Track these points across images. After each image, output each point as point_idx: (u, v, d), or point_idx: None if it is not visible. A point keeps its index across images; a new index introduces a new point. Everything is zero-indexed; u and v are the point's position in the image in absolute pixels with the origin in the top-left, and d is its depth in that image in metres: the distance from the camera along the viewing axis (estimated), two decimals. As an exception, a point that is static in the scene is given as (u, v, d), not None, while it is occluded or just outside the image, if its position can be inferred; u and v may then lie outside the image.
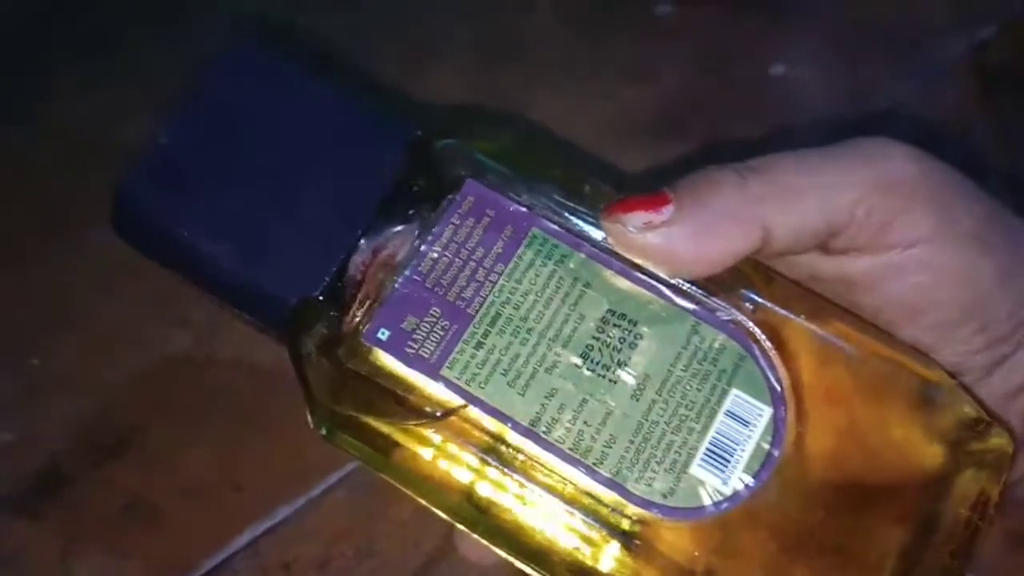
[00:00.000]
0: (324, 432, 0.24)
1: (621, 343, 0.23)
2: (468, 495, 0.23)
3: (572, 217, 0.25)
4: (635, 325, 0.23)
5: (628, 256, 0.24)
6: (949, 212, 0.24)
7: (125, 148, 0.49)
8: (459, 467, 0.24)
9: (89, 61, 0.55)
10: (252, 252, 0.24)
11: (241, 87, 0.26)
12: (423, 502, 0.24)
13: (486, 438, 0.23)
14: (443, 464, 0.24)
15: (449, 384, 0.23)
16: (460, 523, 0.24)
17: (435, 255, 0.24)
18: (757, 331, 0.23)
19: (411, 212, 0.24)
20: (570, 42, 0.50)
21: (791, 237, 0.23)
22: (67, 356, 0.41)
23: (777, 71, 0.50)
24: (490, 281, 0.24)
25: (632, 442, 0.22)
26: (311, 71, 0.26)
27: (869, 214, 0.23)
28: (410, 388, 0.24)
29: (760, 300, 0.24)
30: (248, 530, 0.35)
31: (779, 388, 0.23)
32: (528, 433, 0.23)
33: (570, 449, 0.22)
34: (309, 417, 0.24)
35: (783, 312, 0.24)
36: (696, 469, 0.22)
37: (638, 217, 0.23)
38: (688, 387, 0.23)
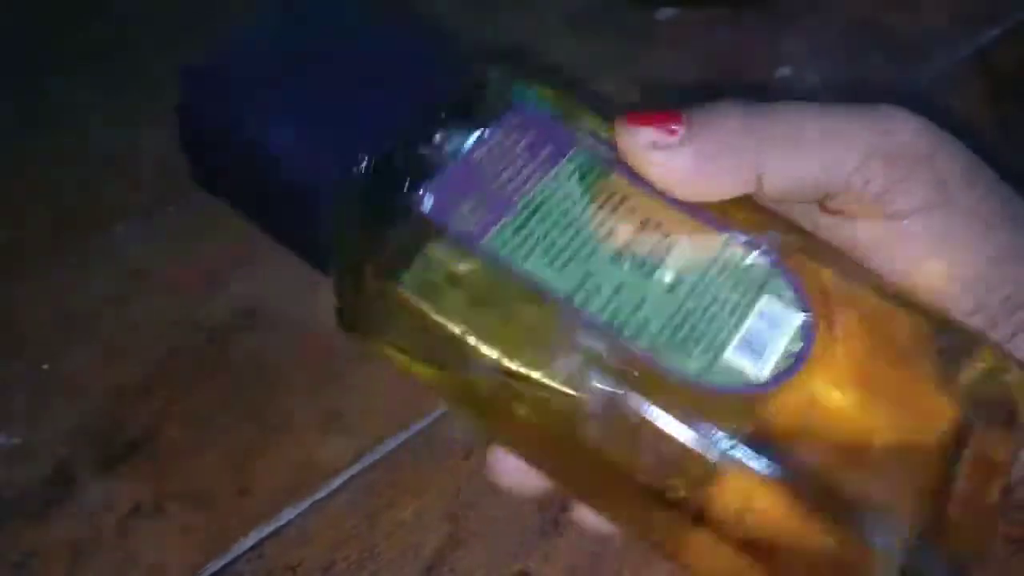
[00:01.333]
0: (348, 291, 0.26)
1: (656, 247, 0.24)
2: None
3: (610, 152, 0.25)
4: (669, 236, 0.24)
5: (633, 166, 0.24)
6: (949, 186, 0.24)
7: (135, 156, 0.51)
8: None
9: (99, 69, 0.55)
10: (305, 136, 0.25)
11: (303, 8, 0.27)
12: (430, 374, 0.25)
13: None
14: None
15: (487, 253, 0.24)
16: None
17: (483, 152, 0.25)
18: (785, 259, 0.24)
19: (462, 119, 0.25)
20: (573, 45, 0.50)
21: (785, 186, 0.24)
22: (77, 361, 0.42)
23: (783, 74, 0.50)
24: (533, 180, 0.25)
25: (667, 325, 0.23)
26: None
27: (868, 180, 0.23)
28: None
29: (785, 238, 0.25)
30: (253, 533, 0.36)
31: (807, 303, 0.23)
32: (566, 302, 0.23)
33: (605, 321, 0.23)
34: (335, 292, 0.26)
35: (805, 253, 0.25)
36: (730, 355, 0.23)
37: (648, 133, 0.24)
38: (721, 289, 0.23)
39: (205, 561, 0.35)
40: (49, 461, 0.39)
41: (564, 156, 0.25)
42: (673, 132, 0.24)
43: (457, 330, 0.23)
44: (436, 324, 0.23)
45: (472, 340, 0.23)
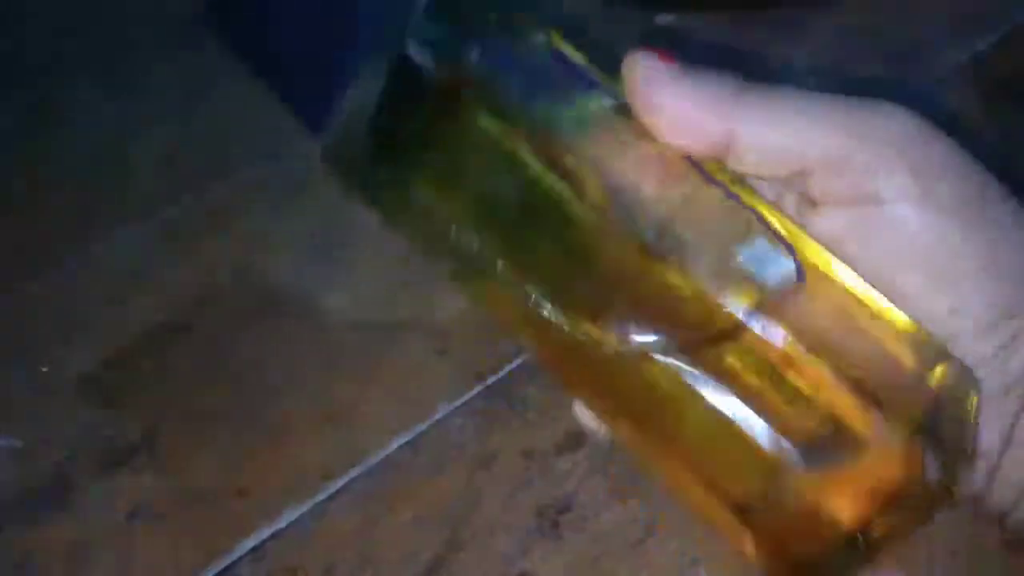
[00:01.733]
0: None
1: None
2: None
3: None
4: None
5: (633, 105, 0.25)
6: (934, 181, 0.23)
7: (137, 161, 0.51)
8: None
9: (101, 78, 0.56)
10: None
11: None
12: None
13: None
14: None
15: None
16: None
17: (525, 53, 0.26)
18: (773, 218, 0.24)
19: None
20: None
21: (759, 149, 0.24)
22: (76, 363, 0.42)
23: (780, 79, 0.50)
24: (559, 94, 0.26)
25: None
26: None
27: (846, 160, 0.23)
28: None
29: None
30: (254, 535, 0.36)
31: (793, 252, 0.24)
32: None
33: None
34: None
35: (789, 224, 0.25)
36: (740, 261, 0.23)
37: (649, 57, 0.24)
38: (719, 214, 0.24)
39: (205, 563, 0.35)
40: (49, 463, 0.39)
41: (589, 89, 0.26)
42: (669, 64, 0.24)
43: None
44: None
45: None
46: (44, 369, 0.42)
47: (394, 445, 0.37)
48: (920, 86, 0.48)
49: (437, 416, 0.38)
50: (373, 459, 0.37)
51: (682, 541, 0.34)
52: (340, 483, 0.36)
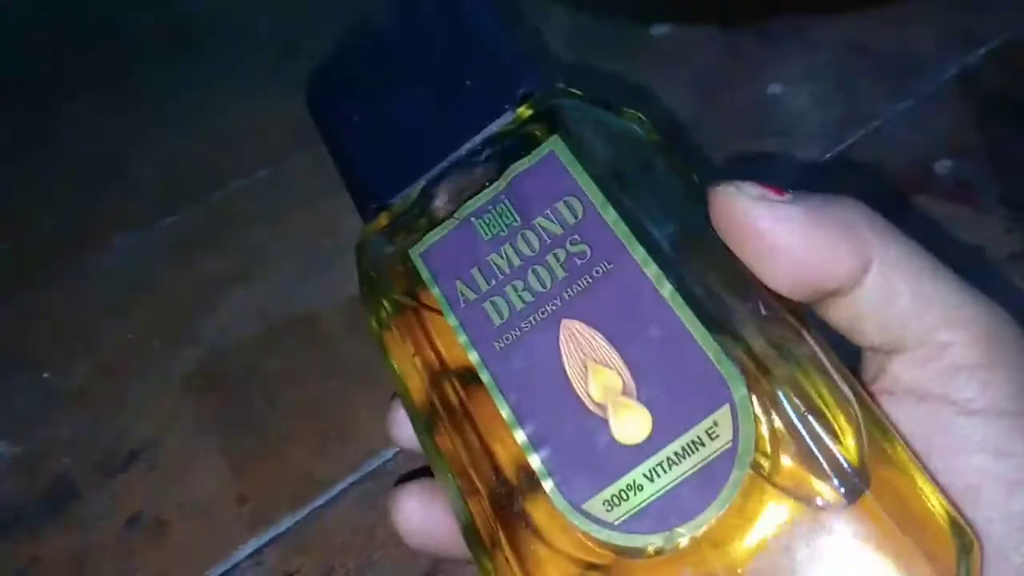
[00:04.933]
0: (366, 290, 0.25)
1: None
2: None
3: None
4: None
5: (726, 235, 0.21)
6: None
7: (136, 171, 0.51)
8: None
9: (101, 89, 0.56)
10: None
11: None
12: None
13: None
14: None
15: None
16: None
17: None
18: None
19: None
20: (570, 59, 0.51)
21: (873, 315, 0.21)
22: (78, 372, 0.42)
23: (773, 91, 0.50)
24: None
25: None
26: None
27: (948, 347, 0.21)
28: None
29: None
30: (253, 541, 0.36)
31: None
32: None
33: None
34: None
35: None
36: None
37: (755, 187, 0.21)
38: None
39: (205, 569, 0.36)
40: (50, 470, 0.39)
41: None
42: (781, 192, 0.21)
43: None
44: None
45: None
46: (45, 376, 0.42)
47: (391, 453, 0.38)
48: (910, 100, 0.48)
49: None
50: (371, 465, 0.37)
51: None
52: (338, 489, 0.37)
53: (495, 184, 0.24)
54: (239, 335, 0.43)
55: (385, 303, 0.25)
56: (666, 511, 0.20)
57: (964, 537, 0.19)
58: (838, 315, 0.22)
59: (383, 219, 0.25)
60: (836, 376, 0.20)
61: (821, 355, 0.21)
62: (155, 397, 0.41)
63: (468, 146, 0.24)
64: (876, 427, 0.20)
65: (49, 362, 0.43)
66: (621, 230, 0.22)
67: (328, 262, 0.45)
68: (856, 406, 0.20)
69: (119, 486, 0.39)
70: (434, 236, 0.24)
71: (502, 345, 0.22)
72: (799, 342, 0.21)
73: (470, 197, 0.24)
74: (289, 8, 0.62)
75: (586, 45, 0.52)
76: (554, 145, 0.23)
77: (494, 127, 0.24)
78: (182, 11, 0.63)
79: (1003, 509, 0.20)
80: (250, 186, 0.50)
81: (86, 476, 0.39)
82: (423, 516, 0.25)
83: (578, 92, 0.25)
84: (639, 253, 0.22)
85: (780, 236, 0.21)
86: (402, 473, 0.36)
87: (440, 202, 0.24)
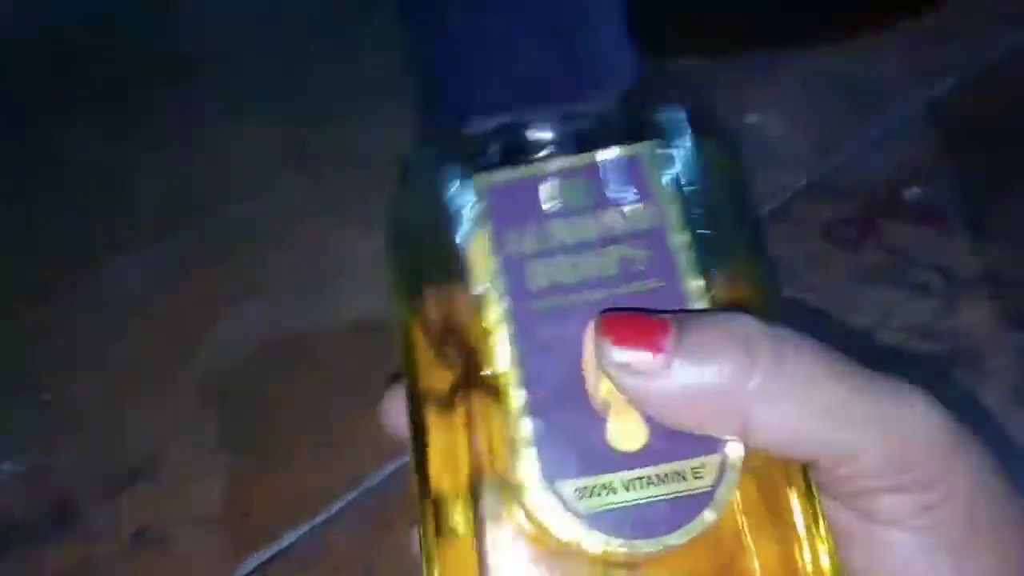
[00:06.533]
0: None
1: None
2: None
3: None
4: None
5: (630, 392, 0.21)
6: (960, 501, 0.21)
7: (135, 194, 0.52)
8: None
9: (99, 114, 0.57)
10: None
11: None
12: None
13: None
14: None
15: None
16: None
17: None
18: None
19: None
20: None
21: (769, 443, 0.21)
22: (79, 390, 0.43)
23: (751, 120, 0.53)
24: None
25: None
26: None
27: (854, 460, 0.20)
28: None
29: None
30: (255, 556, 0.37)
31: None
32: None
33: None
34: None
35: None
36: None
37: (624, 355, 0.20)
38: None
39: (209, 583, 0.37)
40: (54, 488, 0.40)
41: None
42: (657, 350, 0.20)
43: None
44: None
45: None
46: (47, 396, 0.43)
47: (391, 468, 0.39)
48: (881, 128, 0.51)
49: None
50: (372, 481, 0.38)
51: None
52: (341, 504, 0.38)
53: (583, 157, 0.23)
54: (238, 354, 0.44)
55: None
56: (631, 522, 0.20)
57: None
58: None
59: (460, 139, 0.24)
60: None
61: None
62: (156, 415, 0.42)
63: (574, 108, 0.24)
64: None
65: (51, 382, 0.44)
66: (684, 257, 0.22)
67: (324, 282, 0.47)
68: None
69: (122, 503, 0.39)
70: (505, 176, 0.23)
71: (532, 308, 0.22)
72: None
73: (554, 157, 0.23)
74: (282, 35, 0.64)
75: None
76: (650, 151, 0.23)
77: (600, 105, 0.24)
78: (179, 38, 0.64)
79: None
80: (246, 208, 0.51)
81: (89, 493, 0.40)
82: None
83: (683, 114, 0.24)
84: (691, 286, 0.22)
85: (650, 403, 0.20)
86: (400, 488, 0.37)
87: (522, 148, 0.24)
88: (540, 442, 0.21)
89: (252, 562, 0.37)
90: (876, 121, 0.51)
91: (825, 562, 0.21)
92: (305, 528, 0.38)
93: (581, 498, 0.21)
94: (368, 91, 0.55)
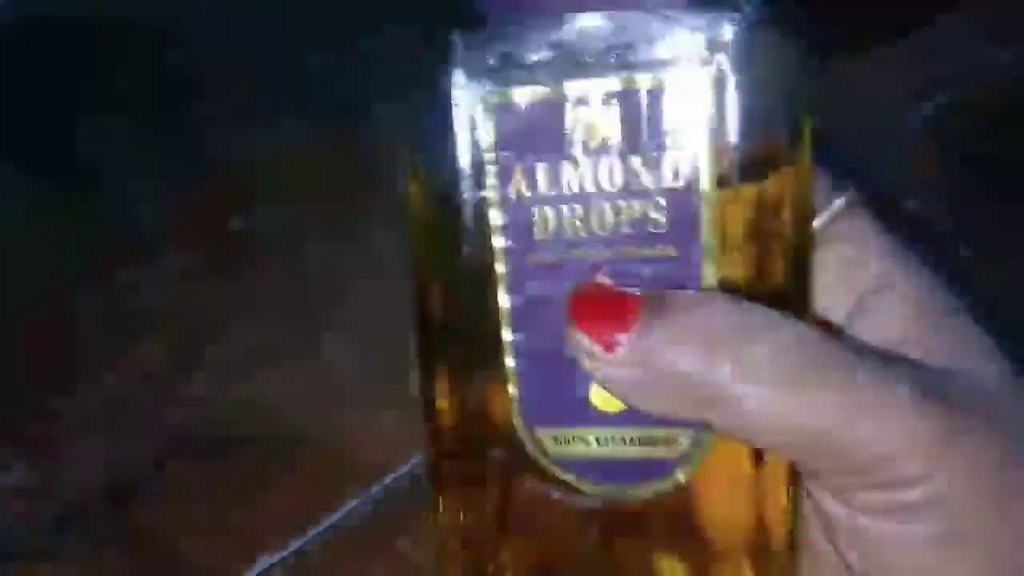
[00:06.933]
0: None
1: None
2: None
3: None
4: None
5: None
6: (977, 482, 0.19)
7: (138, 206, 0.53)
8: None
9: (108, 123, 0.58)
10: None
11: None
12: None
13: None
14: None
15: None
16: None
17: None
18: None
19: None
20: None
21: (745, 434, 0.20)
22: (88, 401, 0.44)
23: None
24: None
25: None
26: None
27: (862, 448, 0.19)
28: None
29: None
30: (260, 562, 0.37)
31: None
32: None
33: None
34: None
35: None
36: None
37: (585, 340, 0.20)
38: None
39: (213, 591, 0.37)
40: (60, 496, 0.40)
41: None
42: (612, 347, 0.19)
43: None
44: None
45: None
46: (54, 405, 0.44)
47: (392, 477, 0.39)
48: (880, 145, 0.51)
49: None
50: (375, 490, 0.39)
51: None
52: (342, 513, 0.38)
53: (622, 80, 0.20)
54: (243, 365, 0.45)
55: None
56: (600, 472, 0.22)
57: None
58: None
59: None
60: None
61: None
62: (162, 424, 0.43)
63: (626, 17, 0.20)
64: None
65: (58, 392, 0.44)
66: (709, 233, 0.20)
67: (330, 293, 0.47)
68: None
69: (127, 512, 0.40)
70: (524, 95, 0.20)
71: (533, 260, 0.21)
72: None
73: (584, 77, 0.20)
74: (289, 48, 0.64)
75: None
76: (703, 79, 0.19)
77: (659, 22, 0.20)
78: (188, 50, 0.65)
79: None
80: (253, 223, 0.52)
81: (94, 502, 0.40)
82: None
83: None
84: (708, 270, 0.20)
85: (609, 385, 0.20)
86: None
87: (547, 60, 0.20)
88: (523, 386, 0.22)
89: (256, 569, 0.37)
90: (872, 137, 0.52)
91: (781, 533, 0.22)
92: (308, 537, 0.38)
93: (557, 444, 0.22)
94: (378, 105, 0.56)
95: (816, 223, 0.23)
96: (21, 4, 0.66)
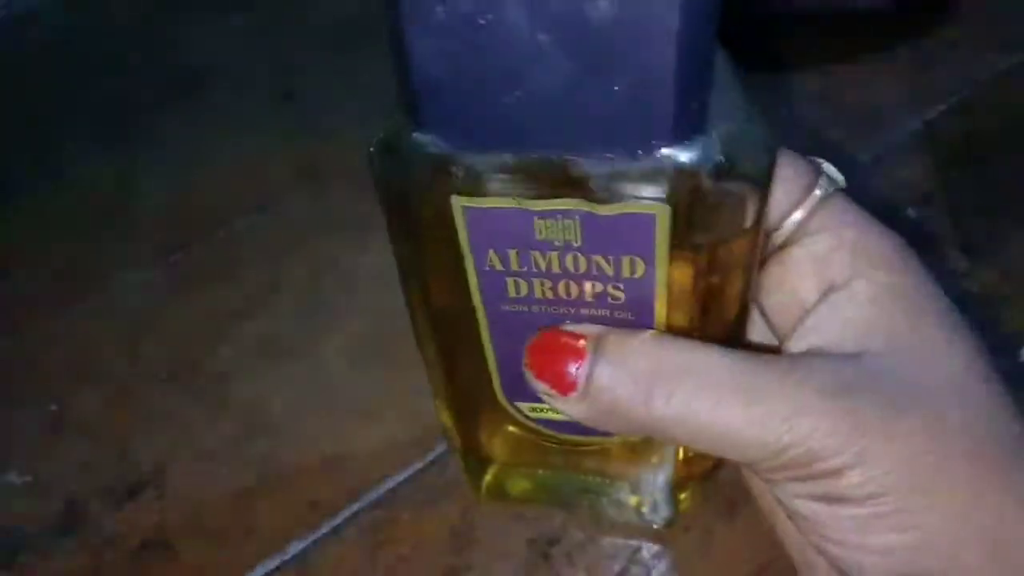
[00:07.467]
0: None
1: None
2: None
3: None
4: None
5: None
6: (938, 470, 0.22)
7: (141, 210, 0.53)
8: None
9: (104, 129, 0.58)
10: None
11: None
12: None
13: None
14: None
15: None
16: None
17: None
18: None
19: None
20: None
21: (689, 441, 0.23)
22: (84, 403, 0.44)
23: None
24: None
25: None
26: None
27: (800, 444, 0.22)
28: None
29: None
30: (260, 567, 0.37)
31: None
32: None
33: None
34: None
35: None
36: None
37: (540, 385, 0.24)
38: None
39: (213, 593, 0.37)
40: (59, 498, 0.40)
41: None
42: (566, 390, 0.24)
43: None
44: None
45: None
46: (53, 407, 0.44)
47: (393, 482, 0.39)
48: (876, 151, 0.52)
49: (435, 453, 0.40)
50: (376, 493, 0.39)
51: (659, 571, 0.36)
52: (342, 517, 0.38)
53: (577, 202, 0.22)
54: (243, 367, 0.45)
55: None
56: (571, 428, 0.29)
57: None
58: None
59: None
60: None
61: None
62: (162, 426, 0.43)
63: (579, 154, 0.21)
64: None
65: (57, 393, 0.44)
66: (662, 299, 0.24)
67: (328, 298, 0.48)
68: None
69: (127, 513, 0.40)
70: (487, 203, 0.22)
71: (508, 309, 0.25)
72: None
73: (542, 198, 0.22)
74: (285, 52, 0.65)
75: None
76: (660, 213, 0.21)
77: (614, 160, 0.21)
78: (183, 54, 0.65)
79: None
80: (250, 224, 0.52)
81: (95, 503, 0.40)
82: None
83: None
84: (659, 318, 0.25)
85: (568, 415, 0.25)
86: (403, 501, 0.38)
87: (507, 176, 0.22)
88: (504, 378, 0.29)
89: (257, 572, 0.37)
90: (871, 145, 0.52)
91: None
92: (309, 540, 0.38)
93: (533, 411, 0.30)
94: (373, 107, 0.56)
95: (796, 216, 0.27)
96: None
